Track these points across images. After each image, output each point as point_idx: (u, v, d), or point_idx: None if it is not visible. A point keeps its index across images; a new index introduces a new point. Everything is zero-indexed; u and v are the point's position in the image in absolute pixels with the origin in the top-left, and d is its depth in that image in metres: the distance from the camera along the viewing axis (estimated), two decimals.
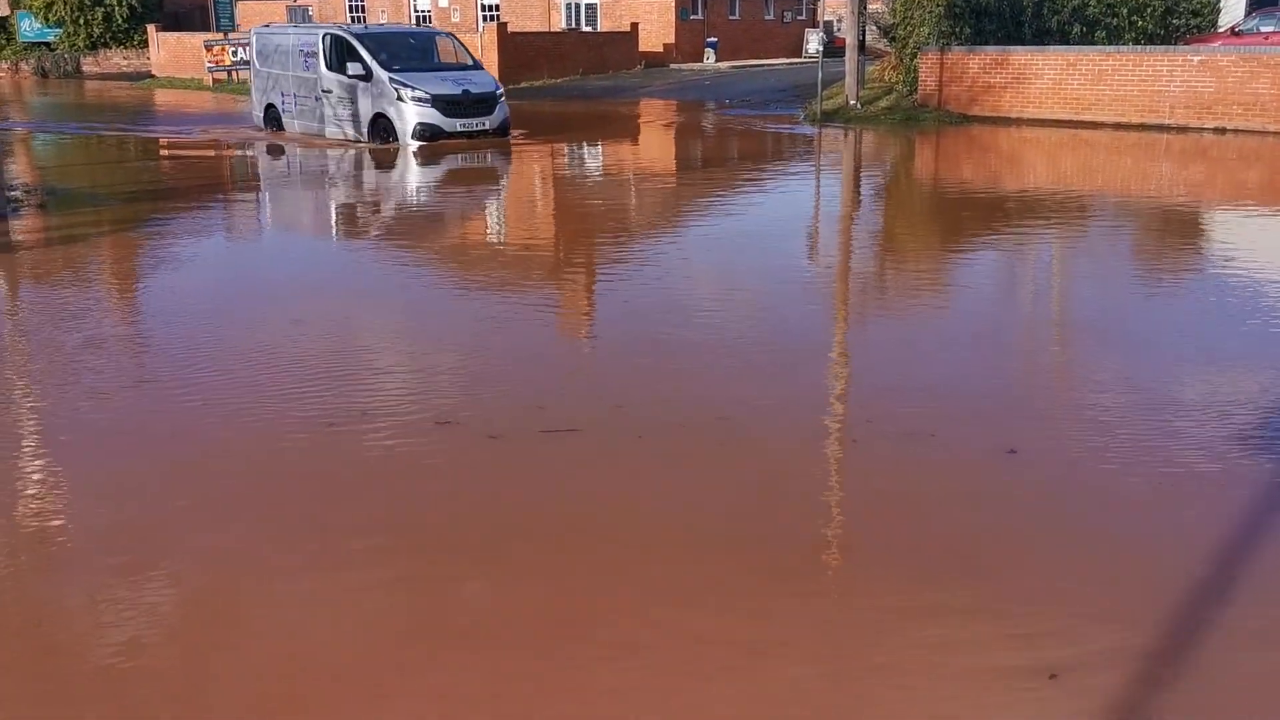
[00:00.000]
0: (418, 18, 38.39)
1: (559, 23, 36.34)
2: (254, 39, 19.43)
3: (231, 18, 32.66)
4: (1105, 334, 6.91)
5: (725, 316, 7.40)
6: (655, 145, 19.48)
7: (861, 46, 21.00)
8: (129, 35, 39.28)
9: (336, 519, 4.46)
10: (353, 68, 16.73)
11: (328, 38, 17.36)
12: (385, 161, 15.84)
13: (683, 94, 26.29)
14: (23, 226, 11.02)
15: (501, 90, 17.81)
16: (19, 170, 15.06)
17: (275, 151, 17.55)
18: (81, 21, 39.05)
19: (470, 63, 18.38)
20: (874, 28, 24.81)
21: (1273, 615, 3.68)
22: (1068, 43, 20.30)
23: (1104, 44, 20.05)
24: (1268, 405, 5.48)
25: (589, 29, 35.49)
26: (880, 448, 5.11)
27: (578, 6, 36.61)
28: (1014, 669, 3.38)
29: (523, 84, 27.79)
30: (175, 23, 39.01)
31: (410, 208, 13.06)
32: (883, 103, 20.76)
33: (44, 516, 4.51)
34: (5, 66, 39.54)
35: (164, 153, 18.88)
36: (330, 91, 17.37)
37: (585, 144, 18.68)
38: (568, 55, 30.99)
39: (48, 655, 3.55)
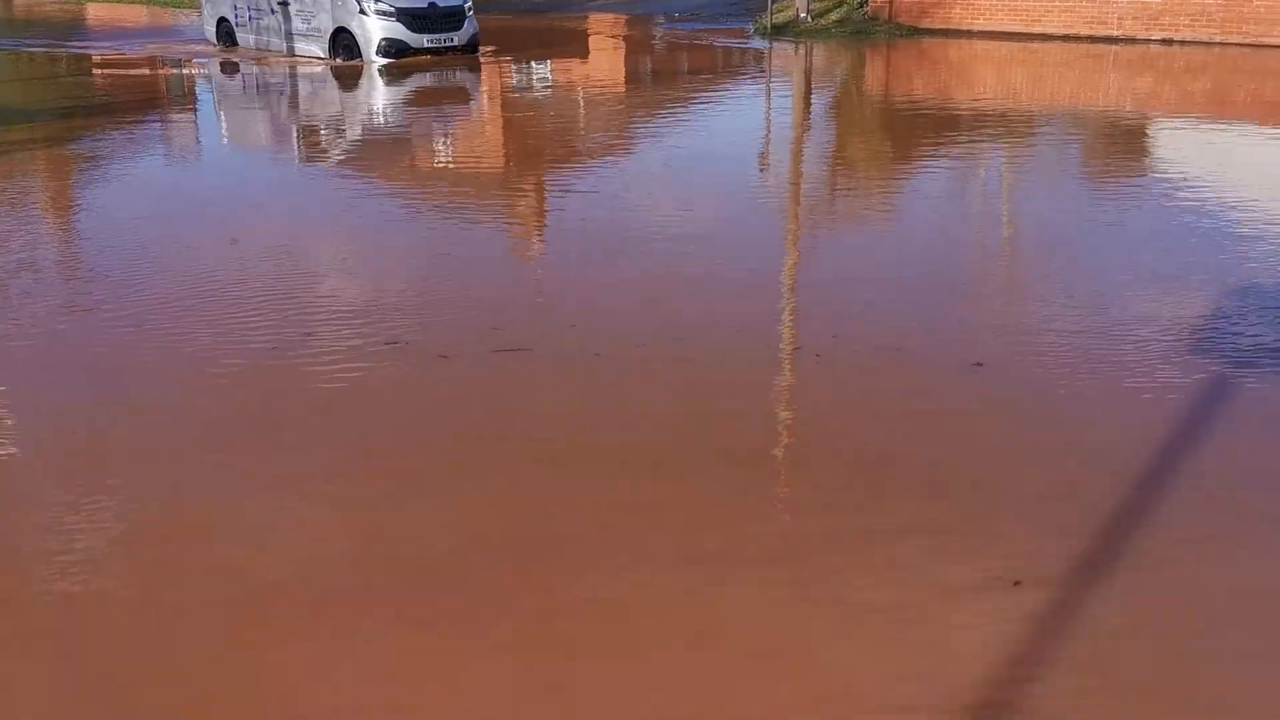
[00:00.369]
0: None
1: None
2: None
3: None
4: (1057, 247, 6.92)
5: (681, 234, 7.30)
6: (606, 62, 19.11)
7: None
8: None
9: (282, 444, 4.37)
10: None
11: None
12: (344, 79, 15.37)
13: (632, 7, 25.76)
14: None
15: (470, 4, 17.14)
16: None
17: (226, 69, 16.94)
18: None
19: None
20: None
21: (1222, 520, 3.73)
22: None
23: None
24: (1223, 313, 5.52)
25: None
26: (845, 363, 5.08)
27: None
28: (978, 579, 3.39)
29: None
30: None
31: (366, 128, 12.70)
32: (833, 15, 20.49)
33: None
34: None
35: (100, 70, 18.20)
36: (286, 3, 16.67)
37: (549, 60, 18.21)
38: None
39: None
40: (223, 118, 13.43)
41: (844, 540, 3.64)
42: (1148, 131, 11.45)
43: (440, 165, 10.52)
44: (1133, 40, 17.37)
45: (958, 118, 12.09)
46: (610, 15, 25.21)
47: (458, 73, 15.93)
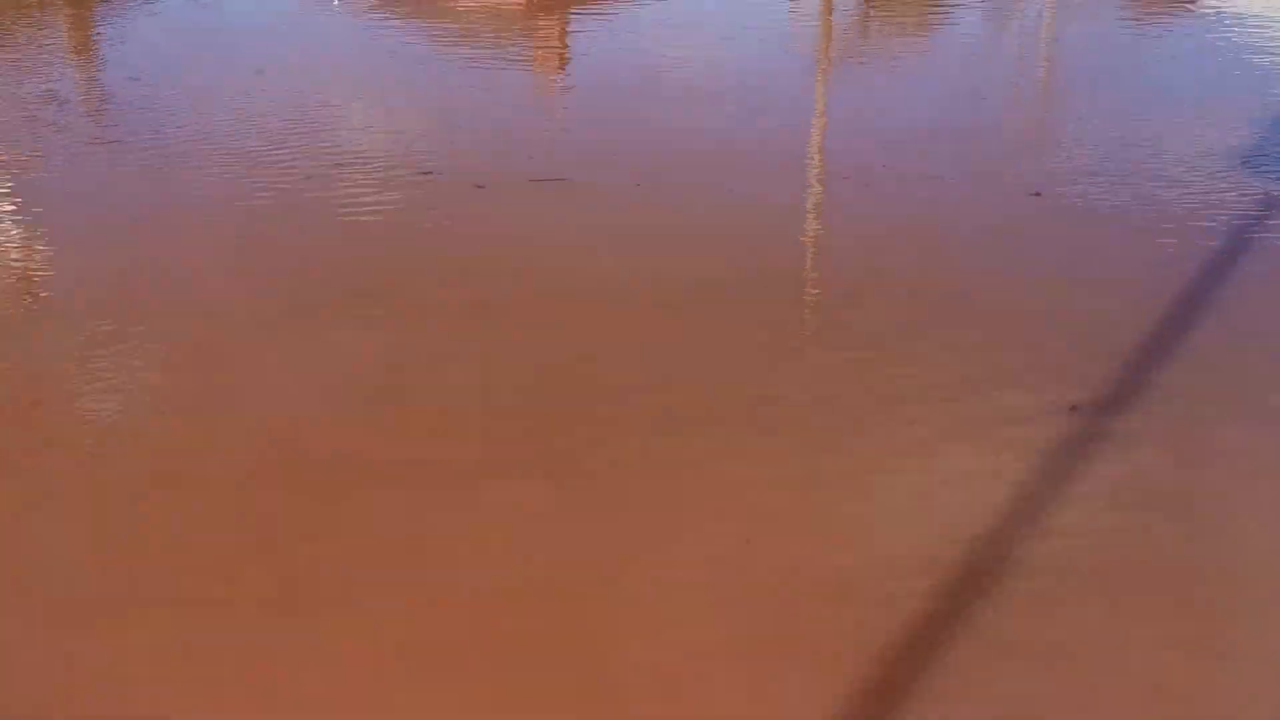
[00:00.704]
0: None
1: None
2: None
3: None
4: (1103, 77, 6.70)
5: (716, 69, 7.07)
6: None
7: None
8: None
9: (315, 275, 4.27)
10: None
11: None
12: None
13: None
14: None
15: None
16: None
17: None
18: None
19: None
20: None
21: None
22: None
23: None
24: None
25: None
26: (892, 192, 4.97)
27: None
28: (1034, 405, 3.37)
29: None
30: None
31: None
32: None
33: (19, 277, 4.33)
34: None
35: None
36: None
37: None
38: None
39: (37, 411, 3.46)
40: None
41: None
42: None
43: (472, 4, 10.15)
44: None
45: None
46: None
47: None
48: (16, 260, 4.45)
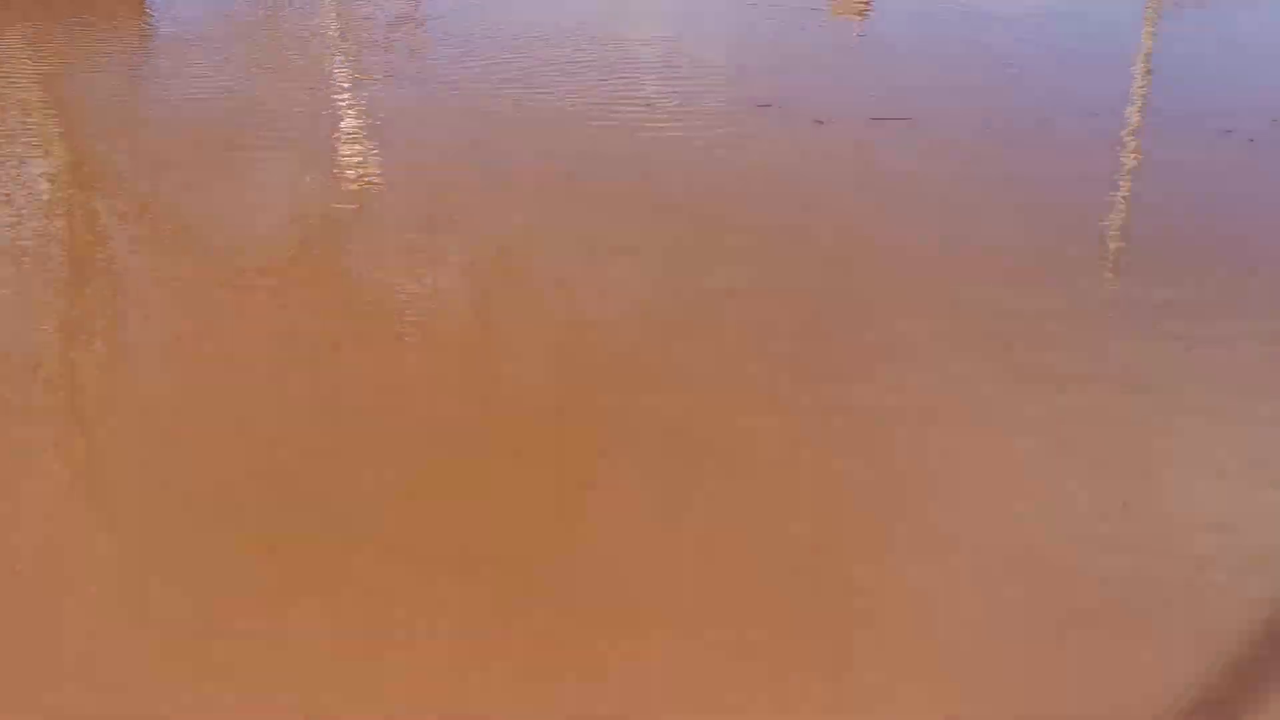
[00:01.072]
0: None
1: None
2: None
3: None
4: None
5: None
6: None
7: None
8: None
9: (633, 203, 4.33)
10: None
11: None
12: None
13: None
14: None
15: None
16: None
17: None
18: None
19: None
20: None
21: None
22: None
23: None
24: None
25: None
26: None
27: None
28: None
29: None
30: None
31: None
32: None
33: (362, 188, 4.68)
34: None
35: None
36: None
37: None
38: None
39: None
40: None
41: None
42: None
43: None
44: None
45: None
46: None
47: None
48: (354, 179, 4.78)
